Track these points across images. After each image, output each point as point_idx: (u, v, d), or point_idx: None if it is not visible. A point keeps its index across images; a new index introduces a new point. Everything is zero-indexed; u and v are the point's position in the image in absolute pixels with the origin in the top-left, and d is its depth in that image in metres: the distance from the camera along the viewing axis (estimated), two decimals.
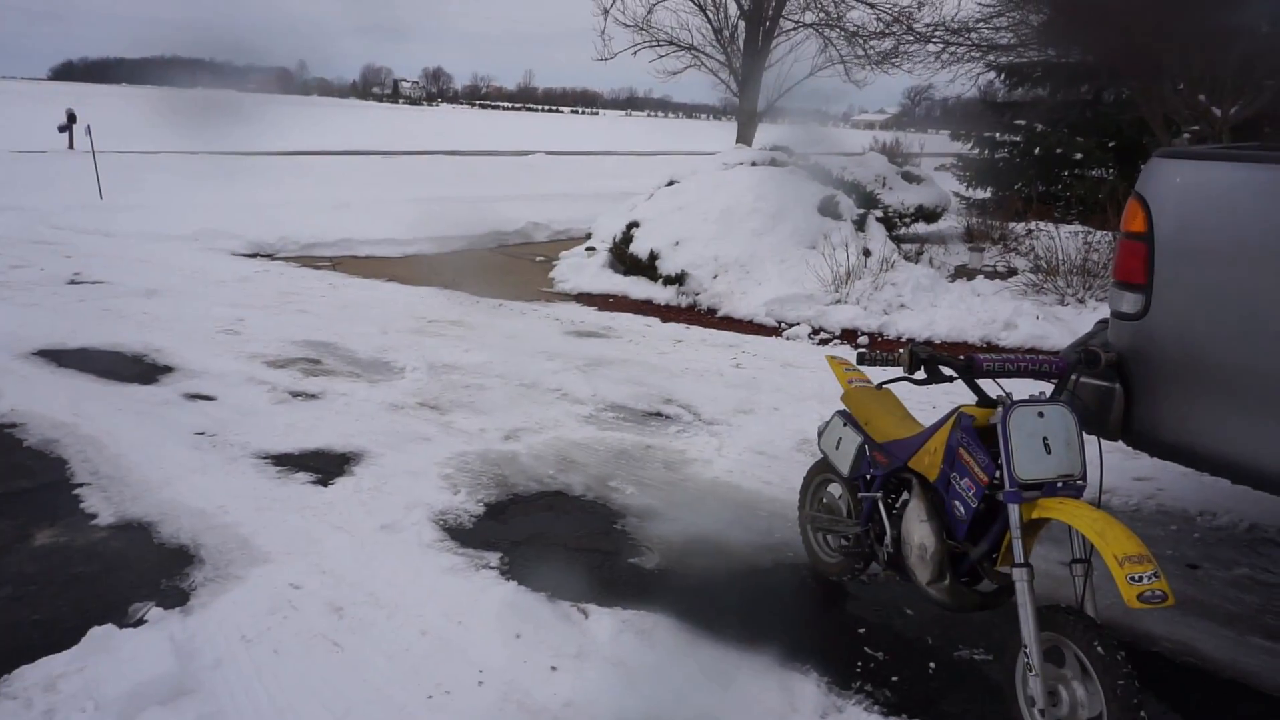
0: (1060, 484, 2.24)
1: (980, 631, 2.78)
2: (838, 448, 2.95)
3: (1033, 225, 10.75)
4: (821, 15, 14.31)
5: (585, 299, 8.29)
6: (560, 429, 4.52)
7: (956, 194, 14.69)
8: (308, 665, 2.50)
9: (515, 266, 10.05)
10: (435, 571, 3.03)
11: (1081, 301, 7.24)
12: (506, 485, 3.81)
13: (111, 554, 3.11)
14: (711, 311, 7.77)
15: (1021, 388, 2.46)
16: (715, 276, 8.00)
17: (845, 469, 2.89)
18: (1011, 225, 11.35)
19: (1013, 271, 8.74)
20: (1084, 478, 2.27)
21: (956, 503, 2.40)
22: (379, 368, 5.52)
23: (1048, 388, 2.49)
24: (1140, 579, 1.95)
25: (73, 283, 7.75)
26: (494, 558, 3.16)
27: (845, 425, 2.94)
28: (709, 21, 15.09)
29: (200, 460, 3.95)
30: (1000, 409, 2.28)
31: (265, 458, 4.01)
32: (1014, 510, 2.21)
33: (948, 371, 2.43)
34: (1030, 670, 2.14)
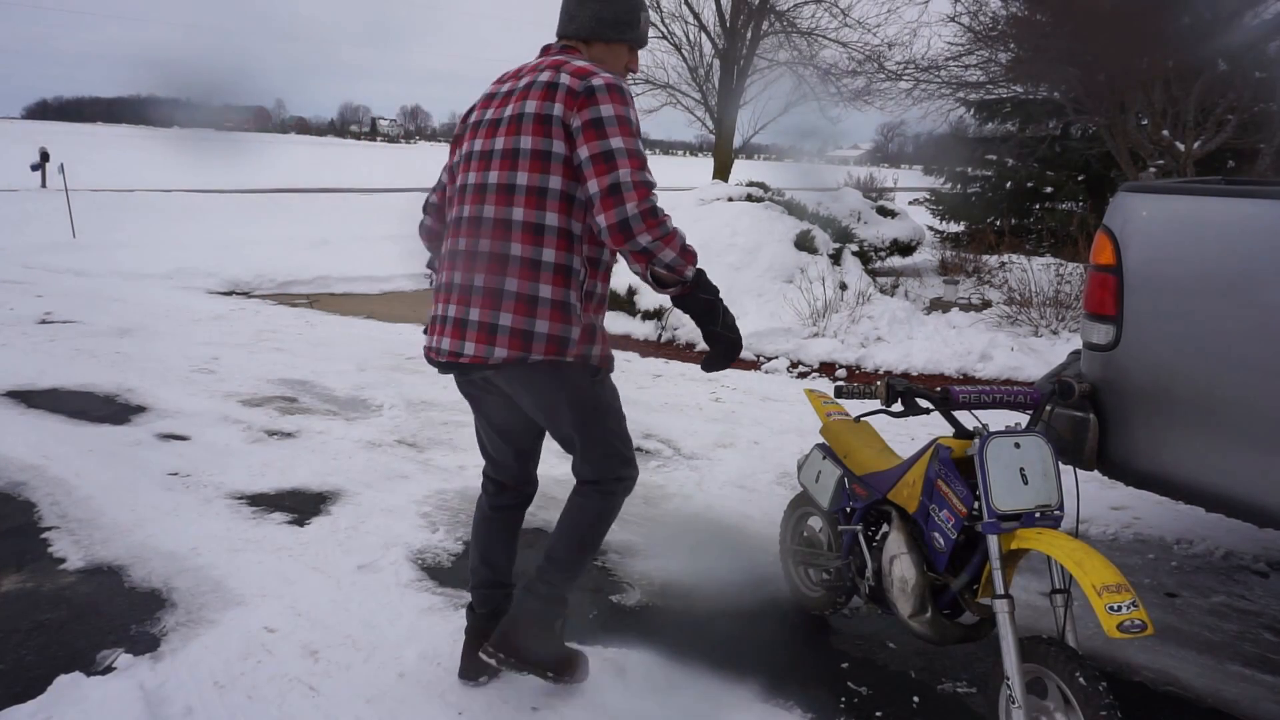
0: (1038, 514, 2.24)
1: (963, 664, 2.77)
2: (817, 481, 2.95)
3: (1005, 258, 10.94)
4: (795, 54, 14.61)
5: None
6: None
7: (930, 228, 14.93)
8: (283, 711, 2.44)
9: None
10: (414, 612, 2.98)
11: (1055, 333, 7.33)
12: None
13: (80, 599, 3.04)
14: (690, 346, 7.80)
15: (997, 419, 2.48)
16: None
17: (825, 502, 2.89)
18: (985, 258, 11.54)
19: (987, 304, 8.86)
20: (1061, 508, 2.28)
21: (936, 534, 2.39)
22: (356, 405, 5.48)
23: (1023, 418, 2.51)
24: (1119, 608, 1.94)
25: (43, 322, 7.66)
26: None
27: (824, 458, 2.94)
28: (684, 60, 15.37)
29: (173, 501, 3.88)
30: (977, 440, 2.28)
31: (240, 498, 3.96)
32: (993, 541, 2.21)
33: (924, 404, 2.43)
34: (1013, 703, 2.12)
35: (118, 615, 2.93)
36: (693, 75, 15.37)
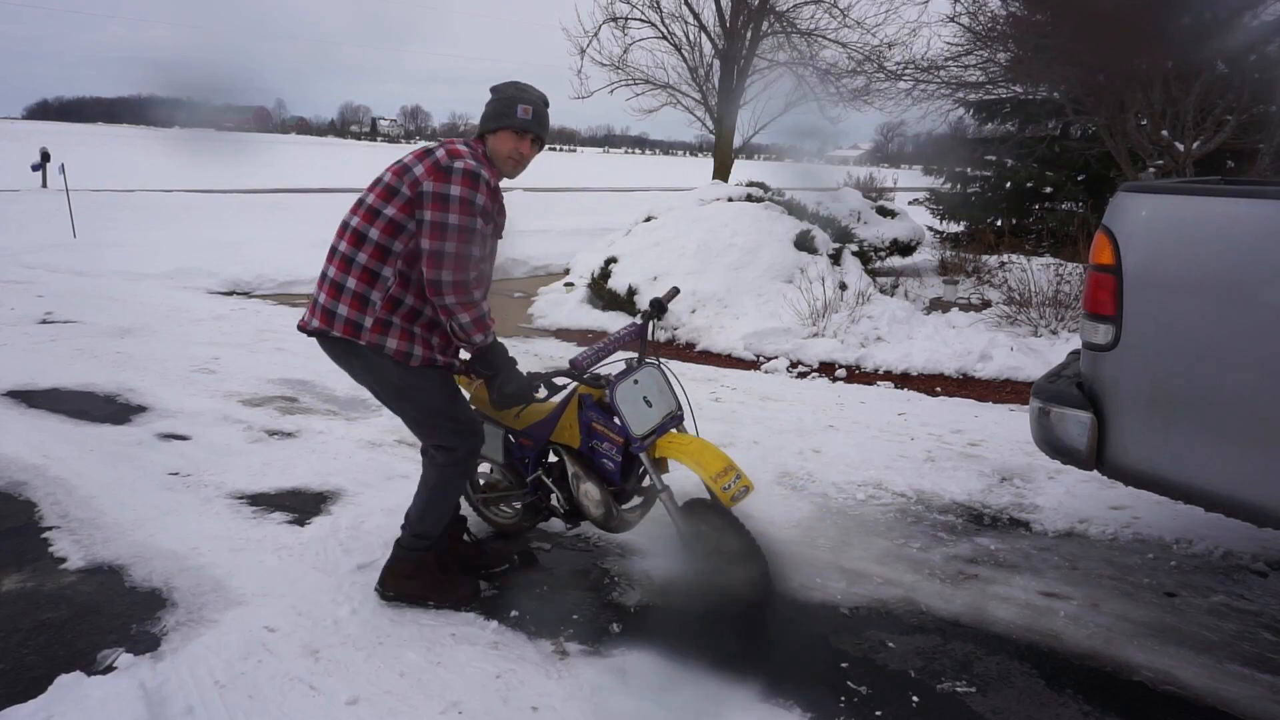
0: (667, 423, 3.00)
1: (963, 665, 2.77)
2: (486, 443, 3.27)
3: (1005, 258, 10.94)
4: (795, 54, 14.62)
5: (564, 334, 8.30)
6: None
7: (930, 228, 14.91)
8: (283, 710, 2.45)
9: (493, 302, 10.01)
10: (414, 611, 2.99)
11: (1054, 333, 7.33)
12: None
13: (81, 599, 3.04)
14: (690, 346, 7.80)
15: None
16: (693, 311, 8.05)
17: (499, 458, 3.34)
18: (984, 258, 11.54)
19: (986, 304, 8.86)
20: (680, 409, 3.08)
21: (604, 460, 3.05)
22: (356, 405, 5.49)
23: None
24: (729, 487, 2.76)
25: (44, 322, 7.66)
26: None
27: (483, 422, 3.22)
28: (684, 60, 15.39)
29: (174, 501, 3.89)
30: (606, 391, 2.90)
31: (240, 498, 3.96)
32: (644, 456, 2.94)
33: (562, 381, 2.98)
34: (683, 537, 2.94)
35: (118, 615, 2.94)
36: (693, 75, 15.39)
